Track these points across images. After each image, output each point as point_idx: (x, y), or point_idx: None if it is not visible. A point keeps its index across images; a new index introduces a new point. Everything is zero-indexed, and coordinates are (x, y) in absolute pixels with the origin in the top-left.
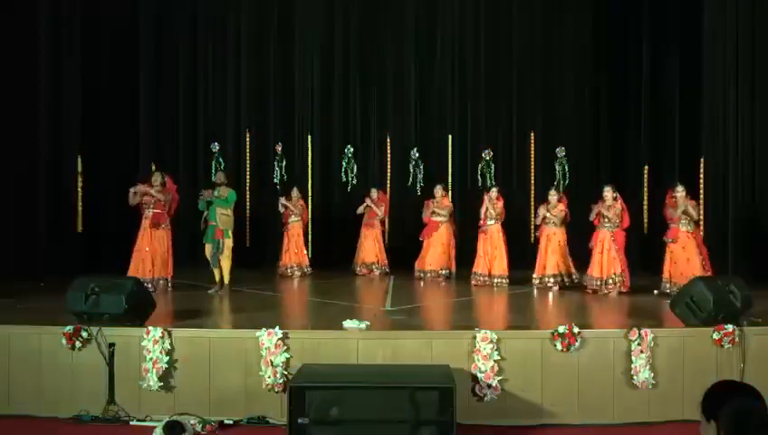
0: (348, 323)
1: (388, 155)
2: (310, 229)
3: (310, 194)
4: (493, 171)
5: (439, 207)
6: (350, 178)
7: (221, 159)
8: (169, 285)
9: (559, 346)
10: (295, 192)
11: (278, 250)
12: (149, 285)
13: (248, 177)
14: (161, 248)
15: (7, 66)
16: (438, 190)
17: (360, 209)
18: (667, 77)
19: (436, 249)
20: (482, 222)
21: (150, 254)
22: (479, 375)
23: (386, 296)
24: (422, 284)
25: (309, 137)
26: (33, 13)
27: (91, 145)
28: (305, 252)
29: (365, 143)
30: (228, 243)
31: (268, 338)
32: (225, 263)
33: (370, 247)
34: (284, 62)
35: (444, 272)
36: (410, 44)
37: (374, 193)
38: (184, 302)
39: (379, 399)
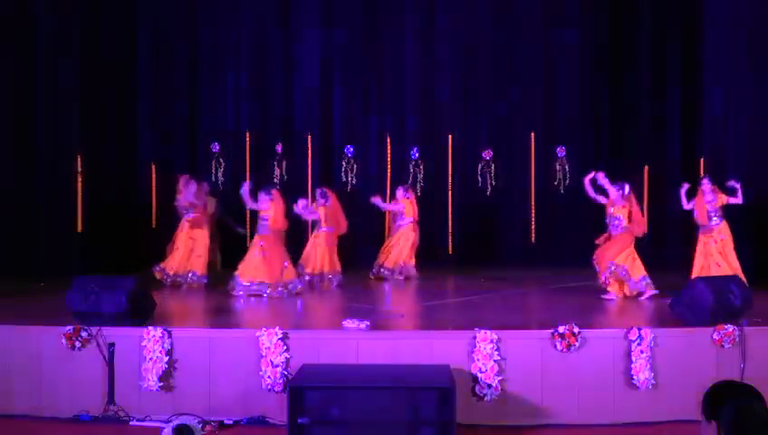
0: (348, 323)
1: (389, 155)
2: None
3: (309, 194)
4: (493, 171)
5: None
6: (349, 179)
7: (221, 160)
8: (195, 277)
9: (559, 346)
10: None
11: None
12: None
13: (248, 177)
14: (200, 245)
15: (6, 65)
16: (399, 192)
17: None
18: (667, 77)
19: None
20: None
21: (187, 249)
22: (479, 375)
23: (385, 296)
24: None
25: (309, 137)
26: (33, 12)
27: (91, 145)
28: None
29: (365, 143)
30: None
31: (268, 338)
32: None
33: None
34: (284, 62)
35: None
36: (410, 44)
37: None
38: (186, 301)
39: (378, 399)
